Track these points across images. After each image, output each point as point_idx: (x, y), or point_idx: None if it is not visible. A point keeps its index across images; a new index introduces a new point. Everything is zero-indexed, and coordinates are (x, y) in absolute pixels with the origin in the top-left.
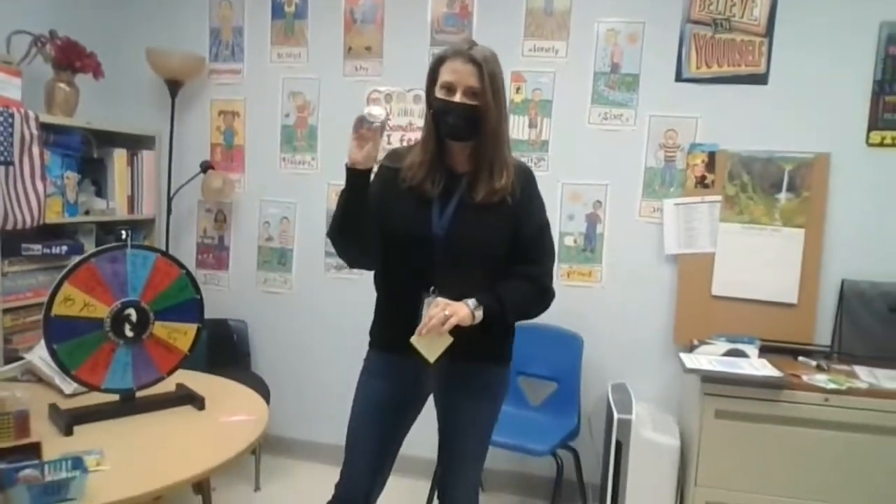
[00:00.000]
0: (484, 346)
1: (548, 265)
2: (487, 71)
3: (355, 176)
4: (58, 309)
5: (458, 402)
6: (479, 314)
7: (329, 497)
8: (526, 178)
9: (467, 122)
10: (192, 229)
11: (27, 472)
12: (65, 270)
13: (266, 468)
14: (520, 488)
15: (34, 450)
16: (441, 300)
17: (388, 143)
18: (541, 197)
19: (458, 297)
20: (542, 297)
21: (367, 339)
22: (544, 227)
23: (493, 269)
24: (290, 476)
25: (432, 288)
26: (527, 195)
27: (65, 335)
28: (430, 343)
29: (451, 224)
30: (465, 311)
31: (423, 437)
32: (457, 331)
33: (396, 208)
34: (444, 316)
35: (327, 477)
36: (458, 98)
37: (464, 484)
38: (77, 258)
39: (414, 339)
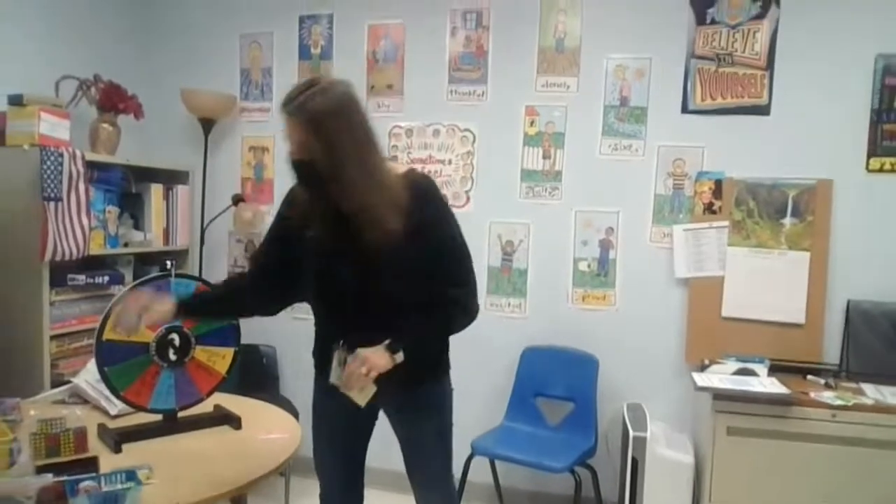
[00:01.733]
0: (417, 371)
1: (460, 279)
2: (306, 121)
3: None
4: (108, 334)
5: (407, 423)
6: (399, 356)
7: None
8: (417, 195)
9: (302, 175)
10: (224, 259)
11: (87, 483)
12: (114, 299)
13: (295, 488)
14: None
15: (92, 463)
16: (360, 354)
17: None
18: (442, 209)
19: (374, 334)
20: (465, 317)
21: None
22: (448, 241)
23: (402, 301)
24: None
25: (341, 342)
26: (424, 215)
27: (114, 359)
28: (357, 392)
29: (355, 281)
30: (383, 360)
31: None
32: (382, 375)
33: (304, 260)
34: (361, 373)
35: None
36: (291, 151)
37: (432, 495)
38: (118, 287)
39: (345, 391)
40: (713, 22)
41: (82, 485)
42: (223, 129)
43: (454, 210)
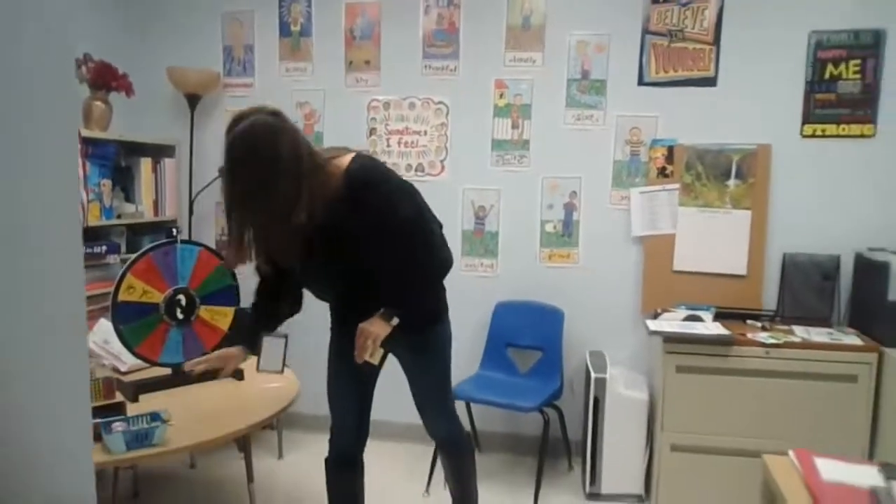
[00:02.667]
0: (415, 322)
1: (427, 241)
2: (233, 156)
3: None
4: (122, 296)
5: (410, 360)
6: (395, 320)
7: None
8: (355, 191)
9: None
10: (212, 229)
11: (117, 423)
12: (128, 263)
13: (286, 440)
14: (512, 447)
15: (120, 407)
16: (360, 328)
17: (388, 146)
18: (382, 187)
19: (365, 308)
20: (434, 269)
21: None
22: (393, 217)
23: (376, 273)
24: (307, 447)
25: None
26: (364, 206)
27: (128, 318)
28: (368, 356)
29: (326, 265)
30: (381, 328)
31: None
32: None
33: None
34: (368, 343)
35: None
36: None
37: (436, 417)
38: (114, 256)
39: (359, 362)
40: (666, 0)
41: (115, 424)
42: (208, 105)
43: (426, 179)
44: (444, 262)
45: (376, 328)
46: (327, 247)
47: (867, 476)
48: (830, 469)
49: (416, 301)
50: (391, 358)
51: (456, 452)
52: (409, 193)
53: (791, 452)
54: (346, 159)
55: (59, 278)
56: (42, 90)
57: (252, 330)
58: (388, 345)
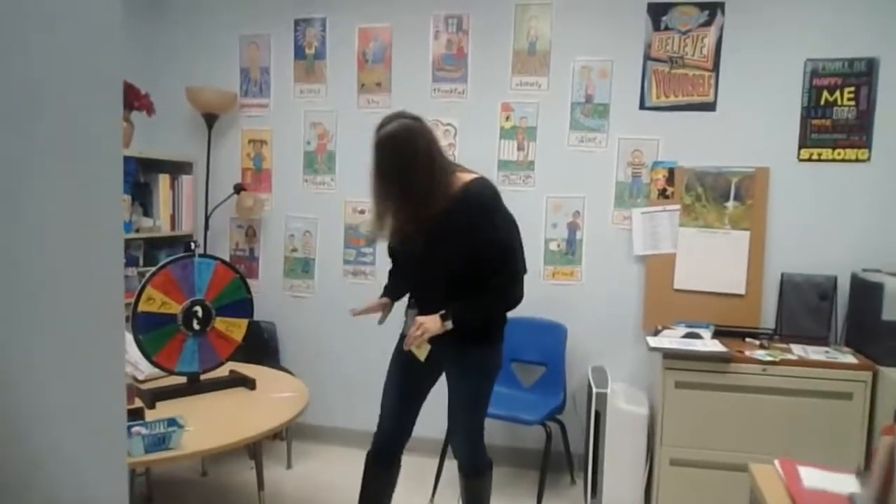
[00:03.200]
0: (466, 337)
1: (506, 277)
2: (383, 148)
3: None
4: (142, 306)
5: (454, 377)
6: (449, 324)
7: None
8: (466, 200)
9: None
10: (226, 243)
11: (137, 427)
12: (148, 275)
13: (295, 451)
14: (515, 461)
15: (139, 413)
16: (418, 320)
17: None
18: (489, 216)
19: (433, 306)
20: (503, 300)
21: (383, 335)
22: (488, 241)
23: (456, 282)
24: (316, 457)
25: (412, 311)
26: (464, 218)
27: (147, 328)
28: (417, 349)
29: (423, 250)
30: (434, 325)
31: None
32: (436, 336)
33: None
34: (418, 334)
35: (348, 457)
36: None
37: (460, 436)
38: (132, 268)
39: (406, 349)
40: (667, 28)
41: (134, 429)
42: (225, 124)
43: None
44: (515, 298)
45: (429, 323)
46: (427, 244)
47: (846, 483)
48: (812, 477)
49: (477, 318)
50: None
51: (474, 478)
52: (513, 226)
53: (776, 462)
54: (469, 176)
55: (104, 286)
56: (96, 114)
57: (394, 286)
58: (440, 353)
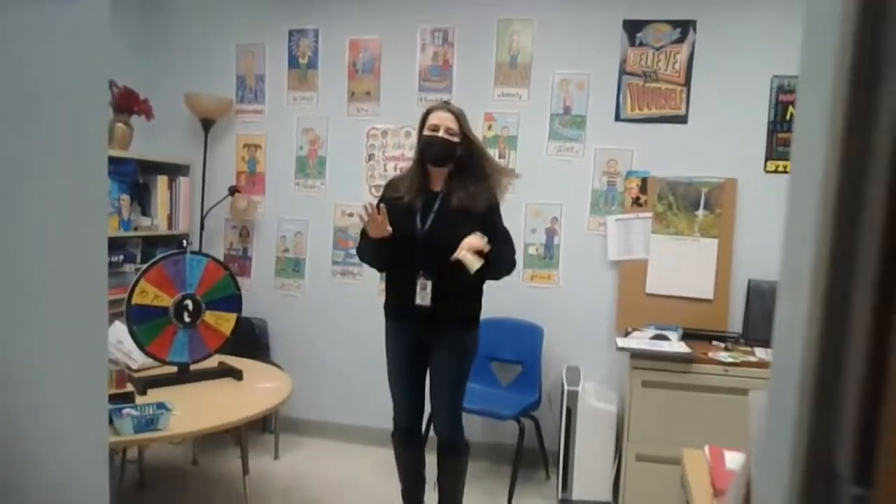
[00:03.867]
0: (456, 315)
1: (512, 246)
2: (461, 115)
3: (375, 240)
4: (136, 299)
5: (443, 357)
6: (487, 246)
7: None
8: (492, 194)
9: (446, 151)
10: (221, 243)
11: (127, 409)
12: (142, 270)
13: (282, 443)
14: (492, 456)
15: (129, 396)
16: (467, 240)
17: (385, 170)
18: (499, 208)
19: (437, 280)
20: (512, 261)
21: (369, 334)
22: (500, 226)
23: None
24: (303, 449)
25: (421, 272)
26: (493, 206)
27: (141, 319)
28: (470, 258)
29: (428, 227)
30: (479, 240)
31: None
32: (429, 320)
33: (394, 219)
34: (472, 244)
35: (334, 449)
36: (441, 134)
37: (444, 413)
38: (131, 264)
39: (459, 256)
40: (641, 44)
41: (124, 411)
42: (221, 128)
43: None
44: (513, 263)
45: (475, 239)
46: (440, 224)
47: None
48: (735, 459)
49: (501, 256)
50: None
51: (453, 454)
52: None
53: (706, 447)
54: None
55: (87, 282)
56: (81, 117)
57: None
58: (429, 338)
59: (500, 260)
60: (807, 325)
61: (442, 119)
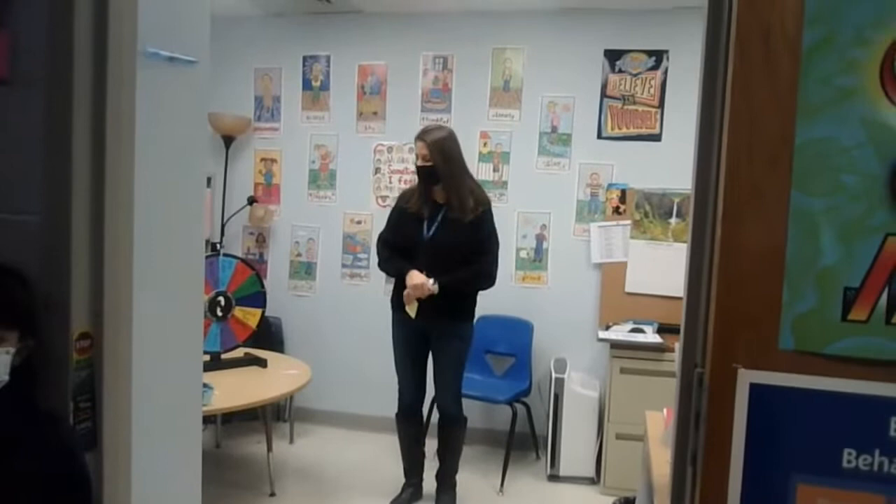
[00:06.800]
0: (449, 310)
1: (489, 257)
2: (432, 144)
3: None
4: None
5: (442, 341)
6: (436, 288)
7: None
8: (484, 210)
9: (426, 173)
10: (239, 248)
11: None
12: None
13: (297, 430)
14: (488, 440)
15: None
16: (411, 273)
17: (390, 182)
18: (491, 220)
19: (436, 275)
20: (485, 276)
21: (375, 331)
22: (490, 234)
23: (463, 259)
24: (315, 435)
25: (425, 272)
26: (481, 218)
27: None
28: (409, 307)
29: (433, 234)
30: (418, 279)
31: None
32: (429, 300)
33: (403, 226)
34: (408, 294)
35: (344, 436)
36: (419, 161)
37: (446, 391)
38: None
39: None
40: (620, 71)
41: None
42: (240, 144)
43: None
44: (488, 279)
45: (416, 276)
46: (446, 229)
47: None
48: None
49: (456, 286)
50: None
51: (453, 428)
52: (494, 223)
53: (665, 409)
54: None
55: (193, 281)
56: (193, 152)
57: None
58: (431, 328)
59: (461, 284)
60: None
61: (418, 148)
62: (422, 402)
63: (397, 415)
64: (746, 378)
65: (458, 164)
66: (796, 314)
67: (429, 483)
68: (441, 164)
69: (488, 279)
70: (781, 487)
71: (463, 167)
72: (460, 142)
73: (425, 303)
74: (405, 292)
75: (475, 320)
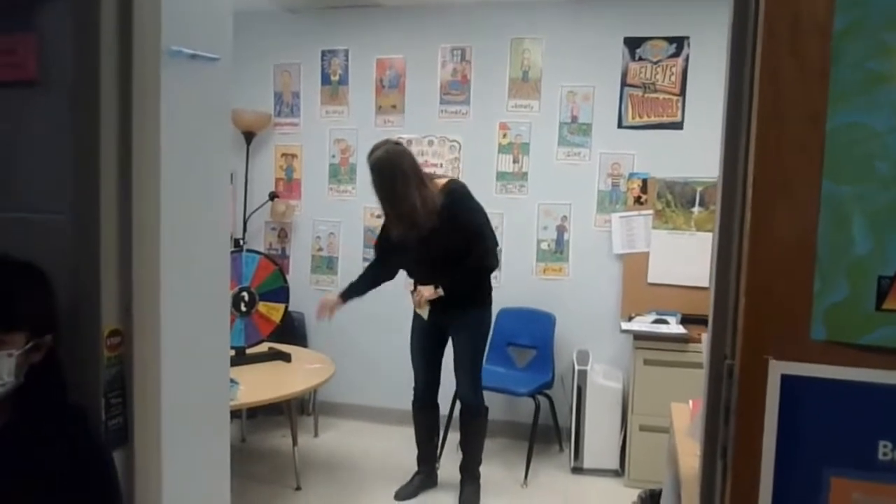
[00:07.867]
0: (461, 302)
1: (480, 251)
2: (378, 170)
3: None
4: None
5: (455, 333)
6: (440, 291)
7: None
8: (450, 202)
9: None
10: (261, 243)
11: None
12: None
13: (321, 423)
14: (511, 433)
15: None
16: (418, 290)
17: None
18: (468, 209)
19: (435, 282)
20: (484, 267)
21: (397, 324)
22: (469, 221)
23: (459, 255)
24: (339, 428)
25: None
26: (450, 210)
27: None
28: (420, 309)
29: (419, 252)
30: (428, 292)
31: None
32: (437, 301)
33: (393, 253)
34: (417, 299)
35: (366, 429)
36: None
37: (465, 381)
38: None
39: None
40: (641, 59)
41: None
42: (261, 140)
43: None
44: (489, 265)
45: (425, 290)
46: (426, 239)
47: None
48: None
49: (461, 281)
50: None
51: (474, 416)
52: (481, 212)
53: (690, 401)
54: (443, 180)
55: (221, 278)
56: (218, 148)
57: (361, 285)
58: (445, 320)
59: (463, 283)
60: None
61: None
62: (436, 392)
63: (413, 405)
64: (778, 369)
65: (401, 183)
66: (829, 304)
67: (454, 475)
68: (387, 189)
69: (488, 263)
70: (815, 481)
71: (406, 182)
72: (476, 132)
73: (437, 300)
74: (414, 298)
75: (496, 312)
